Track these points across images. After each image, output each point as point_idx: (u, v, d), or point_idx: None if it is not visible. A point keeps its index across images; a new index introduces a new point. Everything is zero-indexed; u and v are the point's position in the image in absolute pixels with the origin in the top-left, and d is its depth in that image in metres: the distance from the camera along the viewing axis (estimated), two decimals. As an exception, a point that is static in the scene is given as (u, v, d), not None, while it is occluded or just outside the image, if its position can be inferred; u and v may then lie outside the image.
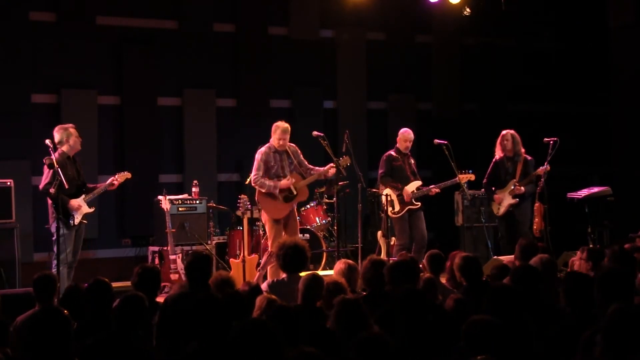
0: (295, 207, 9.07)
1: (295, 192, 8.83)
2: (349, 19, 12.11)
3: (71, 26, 10.61)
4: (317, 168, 8.92)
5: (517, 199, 9.43)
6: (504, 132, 9.68)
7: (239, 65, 11.74)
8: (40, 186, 8.15)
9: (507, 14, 11.52)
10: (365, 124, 12.52)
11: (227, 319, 4.16)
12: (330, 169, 8.80)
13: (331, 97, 12.42)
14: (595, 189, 10.57)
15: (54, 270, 7.82)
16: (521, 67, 13.30)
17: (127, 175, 8.70)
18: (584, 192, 10.52)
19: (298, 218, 9.28)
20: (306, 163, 8.95)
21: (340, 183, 8.90)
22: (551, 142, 9.40)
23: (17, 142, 10.27)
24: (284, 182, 8.75)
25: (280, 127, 8.78)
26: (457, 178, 9.37)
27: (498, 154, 9.69)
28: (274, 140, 8.82)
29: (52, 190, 7.79)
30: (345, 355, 3.87)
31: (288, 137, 8.79)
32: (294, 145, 8.96)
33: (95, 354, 4.28)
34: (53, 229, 8.05)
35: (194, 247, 9.81)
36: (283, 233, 8.73)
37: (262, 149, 8.84)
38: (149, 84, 11.13)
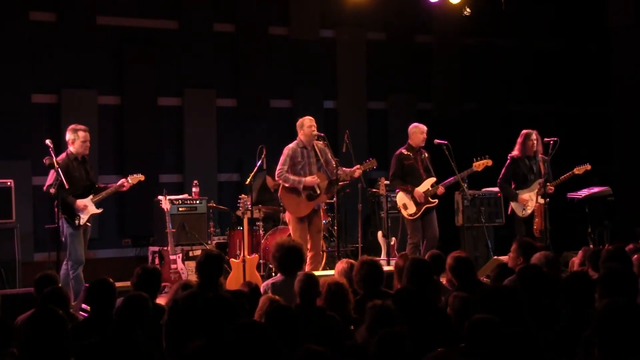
0: (321, 208, 8.99)
1: (319, 192, 8.76)
2: (349, 19, 12.11)
3: (71, 26, 10.61)
4: (343, 169, 8.78)
5: (547, 199, 9.07)
6: (527, 131, 9.40)
7: (239, 65, 11.74)
8: (44, 187, 8.12)
9: (507, 14, 11.53)
10: (365, 124, 12.52)
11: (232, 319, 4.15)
12: (356, 170, 8.81)
13: (331, 97, 12.42)
14: (595, 189, 10.57)
15: (63, 272, 7.81)
16: (521, 67, 13.30)
17: (140, 177, 8.58)
18: (584, 192, 10.52)
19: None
20: (333, 163, 8.71)
21: (340, 183, 8.88)
22: (551, 142, 9.33)
23: (17, 142, 10.27)
24: (309, 179, 8.68)
25: (305, 119, 8.83)
26: (472, 166, 9.18)
27: (516, 152, 9.44)
28: (301, 135, 8.81)
29: (52, 191, 7.78)
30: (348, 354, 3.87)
31: (315, 124, 8.77)
32: (321, 142, 8.90)
33: (93, 355, 4.27)
34: (65, 230, 8.05)
35: (194, 247, 9.83)
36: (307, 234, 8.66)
37: (290, 145, 8.83)
38: (149, 84, 11.13)
